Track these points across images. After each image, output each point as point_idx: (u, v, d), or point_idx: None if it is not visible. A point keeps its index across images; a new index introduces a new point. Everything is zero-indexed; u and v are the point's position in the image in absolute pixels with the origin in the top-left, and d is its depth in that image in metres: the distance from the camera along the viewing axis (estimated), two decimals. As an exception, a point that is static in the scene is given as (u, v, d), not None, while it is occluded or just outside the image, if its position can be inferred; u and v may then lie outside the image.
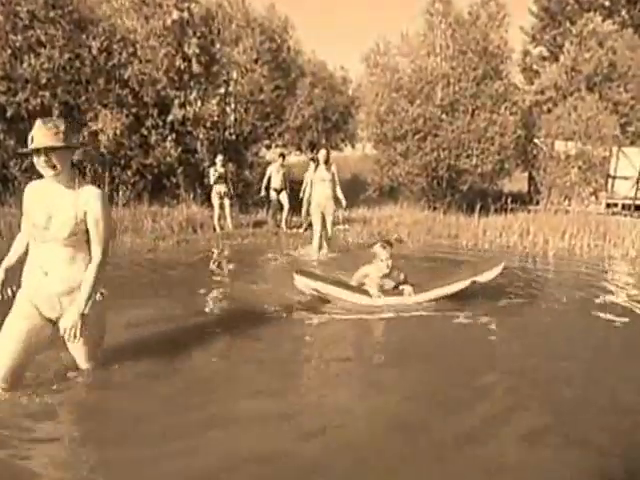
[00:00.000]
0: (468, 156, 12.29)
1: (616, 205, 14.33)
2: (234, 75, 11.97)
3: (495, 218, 11.18)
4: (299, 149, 17.76)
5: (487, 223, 10.59)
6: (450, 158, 12.29)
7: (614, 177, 15.00)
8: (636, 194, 14.99)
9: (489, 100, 12.60)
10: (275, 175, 10.53)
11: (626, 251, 8.96)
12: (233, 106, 12.15)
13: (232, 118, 12.08)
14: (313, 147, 17.61)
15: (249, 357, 3.61)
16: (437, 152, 12.20)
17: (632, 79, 16.16)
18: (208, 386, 3.11)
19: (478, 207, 11.16)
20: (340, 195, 7.77)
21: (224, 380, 3.21)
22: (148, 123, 10.98)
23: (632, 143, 15.56)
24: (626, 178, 15.04)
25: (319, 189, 7.43)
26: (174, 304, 4.80)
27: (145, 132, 10.95)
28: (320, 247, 7.58)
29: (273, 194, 10.61)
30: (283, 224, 10.40)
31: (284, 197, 10.54)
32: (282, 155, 10.99)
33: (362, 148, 15.44)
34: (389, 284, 4.90)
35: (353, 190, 15.38)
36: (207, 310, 4.82)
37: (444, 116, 12.43)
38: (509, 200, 11.87)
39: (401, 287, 4.88)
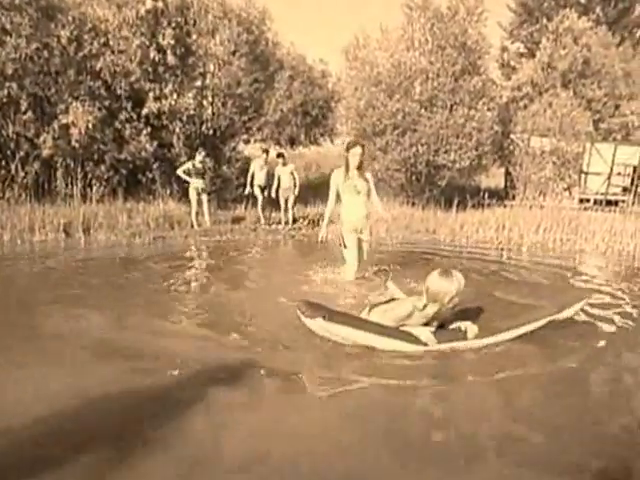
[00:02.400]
0: (446, 151, 12.25)
1: (588, 200, 14.53)
2: (211, 67, 11.67)
3: (472, 213, 11.26)
4: (278, 144, 17.52)
5: (464, 218, 10.69)
6: (429, 153, 12.23)
7: (587, 173, 15.19)
8: (607, 190, 15.24)
9: (467, 96, 12.55)
10: (259, 172, 10.31)
11: (596, 245, 9.14)
12: (210, 99, 11.84)
13: (209, 112, 11.78)
14: (293, 142, 17.41)
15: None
16: (416, 147, 12.11)
17: (605, 76, 16.38)
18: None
19: (456, 202, 11.22)
20: (381, 210, 5.45)
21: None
22: (122, 116, 10.64)
23: (604, 139, 15.78)
24: (598, 174, 15.26)
25: (352, 206, 5.15)
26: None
27: (119, 126, 10.61)
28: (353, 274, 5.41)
29: (258, 191, 10.39)
30: (262, 220, 10.38)
31: (266, 195, 10.43)
32: (265, 151, 10.70)
33: (342, 143, 15.28)
34: (435, 322, 3.59)
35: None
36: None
37: (423, 111, 12.33)
38: (486, 195, 11.92)
39: (459, 325, 3.59)
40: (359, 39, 13.33)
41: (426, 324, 3.56)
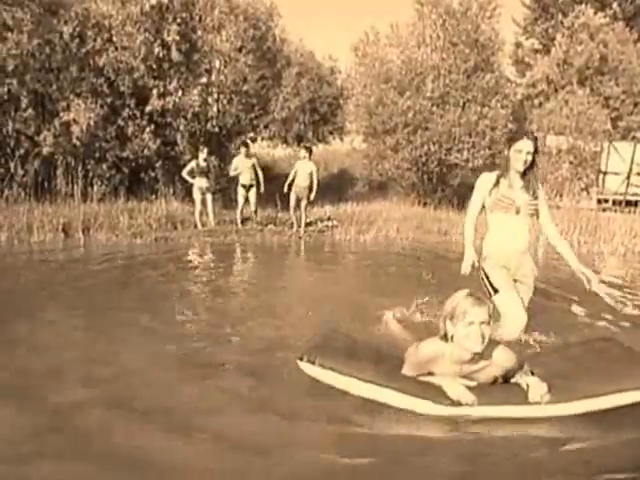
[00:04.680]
0: (459, 150, 11.99)
1: (607, 201, 14.14)
2: (216, 64, 11.45)
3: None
4: (285, 142, 17.27)
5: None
6: (440, 152, 11.97)
7: (605, 172, 14.79)
8: (626, 190, 14.82)
9: (480, 93, 12.29)
10: (242, 169, 9.38)
11: (615, 247, 8.81)
12: (216, 97, 11.62)
13: (214, 109, 11.56)
14: (300, 140, 17.15)
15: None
16: (427, 146, 11.86)
17: (623, 73, 15.99)
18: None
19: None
20: (559, 242, 3.50)
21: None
22: (124, 114, 10.42)
23: (623, 138, 15.38)
24: (617, 173, 14.85)
25: (506, 229, 3.48)
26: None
27: (121, 123, 10.38)
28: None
29: (241, 190, 9.48)
30: (239, 222, 9.50)
31: (252, 195, 9.48)
32: (245, 144, 9.68)
33: (351, 141, 15.02)
34: (477, 373, 2.53)
35: (341, 185, 15.10)
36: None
37: (434, 109, 12.07)
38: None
39: (518, 377, 2.53)
40: (369, 35, 13.12)
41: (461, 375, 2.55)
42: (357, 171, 14.59)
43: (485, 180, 3.53)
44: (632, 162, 14.85)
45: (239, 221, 9.49)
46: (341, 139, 16.84)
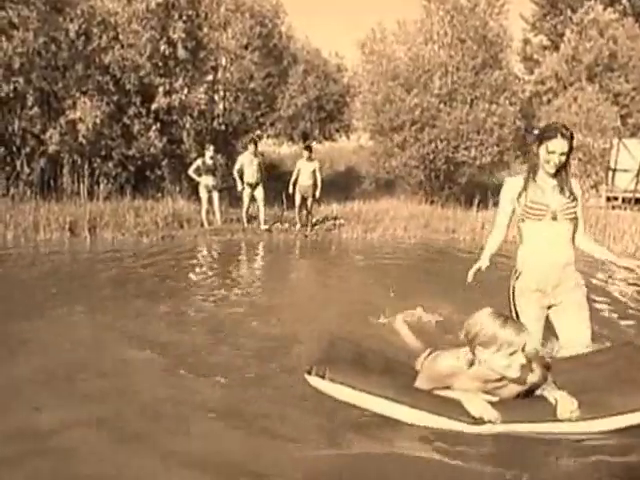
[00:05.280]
0: (466, 148, 11.92)
1: (616, 199, 13.98)
2: (223, 61, 11.46)
3: (494, 212, 10.83)
4: (291, 139, 17.23)
5: (486, 217, 10.29)
6: (448, 150, 11.91)
7: (614, 170, 14.64)
8: (636, 187, 14.66)
9: (488, 90, 12.21)
10: (248, 166, 9.14)
11: (626, 246, 8.66)
12: (222, 94, 11.64)
13: (221, 107, 11.57)
14: (306, 138, 17.12)
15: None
16: (435, 143, 11.79)
17: (633, 69, 15.82)
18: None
19: (477, 200, 10.85)
20: (607, 255, 3.08)
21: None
22: (130, 112, 10.43)
23: (632, 135, 15.21)
24: (626, 171, 14.69)
25: (540, 241, 2.92)
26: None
27: (127, 121, 10.41)
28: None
29: (247, 189, 9.26)
30: (262, 224, 9.28)
31: (259, 192, 9.25)
32: (253, 141, 9.53)
33: (357, 139, 14.97)
34: (500, 389, 2.34)
35: (348, 183, 15.05)
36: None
37: (442, 106, 12.00)
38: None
39: (546, 392, 2.31)
40: (376, 32, 13.02)
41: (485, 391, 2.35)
42: (364, 169, 14.54)
43: (511, 186, 3.00)
44: (640, 159, 14.71)
45: (245, 220, 9.38)
46: (347, 137, 16.81)
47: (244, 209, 9.39)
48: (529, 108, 14.34)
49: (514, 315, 2.92)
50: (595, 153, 14.07)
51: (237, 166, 9.27)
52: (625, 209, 12.45)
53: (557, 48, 16.66)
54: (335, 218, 10.18)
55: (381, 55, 12.67)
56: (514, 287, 3.02)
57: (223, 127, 11.61)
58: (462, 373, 2.29)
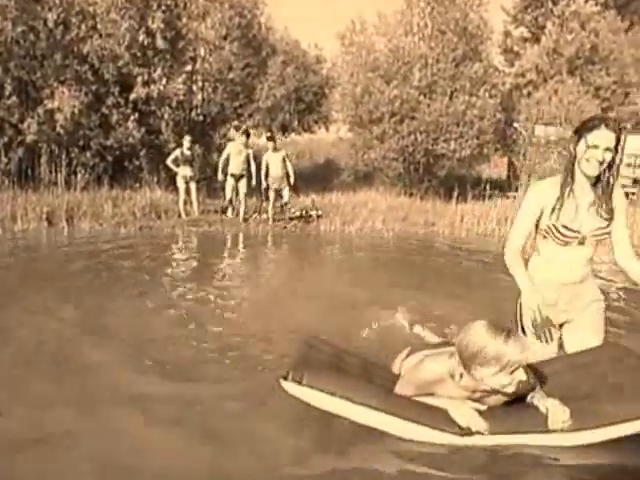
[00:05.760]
0: (446, 140, 12.49)
1: (596, 192, 14.72)
2: (201, 52, 11.90)
3: (473, 205, 11.39)
4: (270, 131, 17.73)
5: (465, 210, 10.77)
6: (428, 142, 12.47)
7: (594, 164, 15.39)
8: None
9: (468, 82, 12.78)
10: (235, 157, 9.33)
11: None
12: (200, 85, 12.09)
13: (199, 97, 12.03)
14: (285, 129, 17.61)
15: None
16: (414, 135, 12.35)
17: (614, 63, 16.61)
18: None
19: (456, 193, 11.39)
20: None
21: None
22: (109, 102, 10.88)
23: (613, 128, 15.99)
24: (606, 164, 15.47)
25: (560, 262, 2.57)
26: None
27: (105, 111, 10.85)
28: None
29: (230, 180, 9.46)
30: (242, 217, 9.60)
31: (243, 186, 9.49)
32: (246, 133, 9.76)
33: (336, 131, 15.52)
34: (488, 397, 2.26)
35: (327, 175, 15.56)
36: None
37: (421, 98, 12.57)
38: (487, 186, 12.11)
39: (536, 400, 2.25)
40: (356, 24, 13.58)
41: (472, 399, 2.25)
42: (343, 161, 15.06)
43: (541, 193, 2.51)
44: (622, 153, 15.51)
45: (230, 210, 9.76)
46: (327, 128, 17.34)
47: (227, 200, 9.69)
48: (509, 101, 15.00)
49: (520, 331, 2.68)
50: (575, 147, 14.83)
51: (224, 155, 9.48)
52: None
53: (538, 40, 17.39)
54: (314, 210, 10.68)
55: (361, 46, 13.23)
56: (523, 304, 2.65)
57: (201, 118, 12.09)
58: (448, 380, 2.21)
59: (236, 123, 12.57)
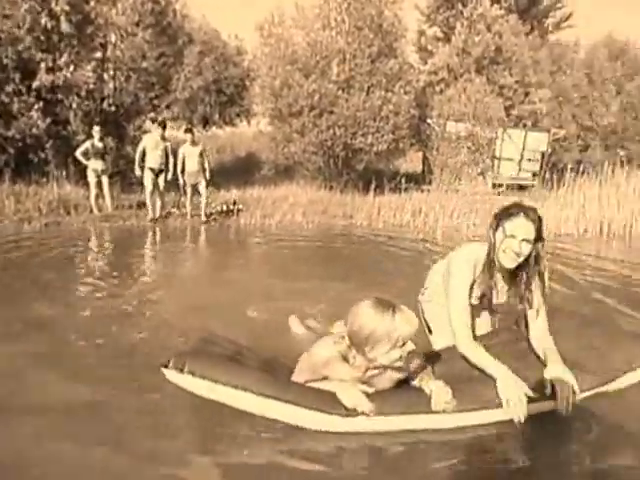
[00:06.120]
0: (363, 135, 12.52)
1: (501, 185, 15.44)
2: (112, 38, 11.10)
3: (390, 198, 11.67)
4: (190, 123, 17.04)
5: (382, 202, 11.04)
6: (346, 136, 12.44)
7: (499, 158, 16.16)
8: (518, 175, 16.33)
9: (384, 78, 12.87)
10: (152, 150, 8.68)
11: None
12: (112, 73, 11.29)
13: (111, 86, 11.23)
14: (206, 122, 17.00)
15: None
16: (333, 130, 12.28)
17: (515, 64, 17.43)
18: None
19: (373, 187, 11.55)
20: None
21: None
22: (9, 89, 9.89)
23: (515, 125, 16.84)
24: (510, 159, 16.30)
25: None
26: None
27: (5, 99, 9.86)
28: None
29: (149, 174, 8.75)
30: (157, 213, 9.03)
31: (162, 180, 8.90)
32: (163, 124, 9.11)
33: (257, 124, 15.18)
34: (378, 377, 2.25)
35: (248, 168, 15.25)
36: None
37: (340, 93, 12.51)
38: (403, 180, 12.36)
39: (423, 382, 2.24)
40: (274, 16, 13.25)
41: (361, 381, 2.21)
42: (264, 154, 14.81)
43: (472, 256, 2.40)
44: (523, 148, 16.38)
45: (150, 209, 8.89)
46: (248, 122, 16.91)
47: (147, 196, 8.91)
48: (423, 97, 15.32)
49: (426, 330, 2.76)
50: (482, 142, 15.44)
51: (140, 148, 8.78)
52: (507, 195, 13.85)
53: (449, 40, 17.88)
54: (234, 203, 10.39)
55: (279, 39, 12.92)
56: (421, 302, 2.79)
57: (113, 108, 11.29)
58: (337, 363, 2.16)
59: (152, 115, 11.85)
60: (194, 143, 8.95)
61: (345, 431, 2.13)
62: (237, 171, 13.60)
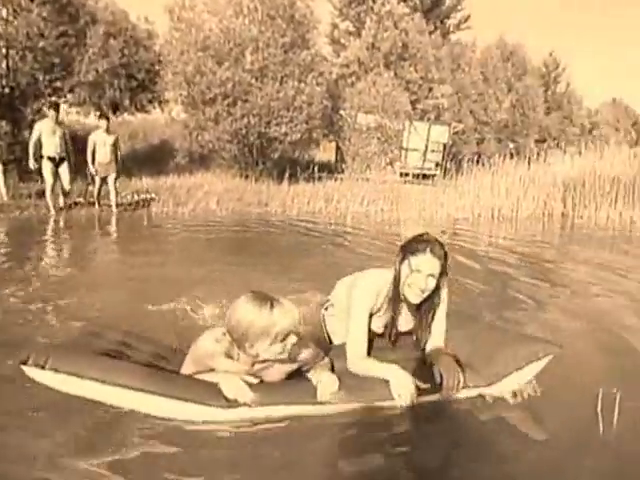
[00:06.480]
0: (278, 124, 12.29)
1: (408, 174, 15.92)
2: (3, 13, 9.94)
3: (304, 186, 11.69)
4: (99, 109, 15.83)
5: (296, 191, 11.03)
6: (260, 125, 12.15)
7: (406, 149, 16.65)
8: (423, 165, 16.92)
9: (297, 69, 12.69)
10: (49, 137, 7.76)
11: (412, 214, 10.25)
12: (4, 52, 10.11)
13: (4, 66, 10.06)
14: (116, 107, 15.89)
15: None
16: (247, 118, 11.93)
17: (420, 60, 17.97)
18: None
19: (287, 175, 11.48)
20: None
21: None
22: None
23: (421, 119, 17.40)
24: (416, 150, 16.85)
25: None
26: None
27: None
28: None
29: (48, 165, 7.85)
30: (61, 201, 8.25)
31: (64, 170, 8.02)
32: (54, 106, 8.06)
33: (170, 111, 14.42)
34: (267, 369, 2.11)
35: (162, 156, 14.50)
36: None
37: (254, 81, 12.17)
38: (316, 169, 12.39)
39: (312, 373, 2.17)
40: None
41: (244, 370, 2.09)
42: (178, 142, 14.15)
43: (374, 293, 2.28)
44: (428, 140, 16.98)
45: (51, 205, 7.93)
46: (162, 109, 15.99)
47: (48, 192, 7.92)
48: (335, 89, 15.35)
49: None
50: (391, 134, 15.80)
51: (33, 137, 7.80)
52: (412, 183, 14.28)
53: (360, 35, 18.04)
54: (146, 192, 9.82)
55: (190, 24, 12.31)
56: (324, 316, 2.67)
57: (8, 90, 10.14)
58: (222, 357, 2.03)
59: (54, 98, 10.80)
60: (108, 131, 8.26)
61: (226, 421, 1.99)
62: (150, 159, 12.86)
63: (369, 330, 2.27)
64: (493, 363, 2.23)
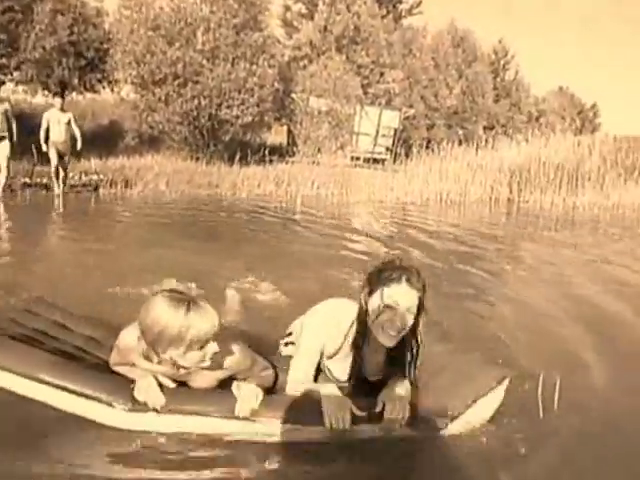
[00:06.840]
0: (229, 106, 12.11)
1: (359, 158, 16.01)
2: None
3: (255, 169, 11.63)
4: (47, 88, 15.08)
5: (247, 173, 10.98)
6: (211, 107, 11.94)
7: (357, 133, 16.70)
8: (374, 149, 17.06)
9: (249, 50, 12.48)
10: None
11: (363, 197, 10.42)
12: (-59, 26, 9.50)
13: (-60, 41, 9.46)
14: (64, 86, 15.17)
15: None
16: (198, 100, 11.70)
17: (372, 44, 17.91)
18: None
19: (238, 158, 11.39)
20: None
21: None
22: None
23: (372, 103, 17.44)
24: (367, 134, 16.94)
25: None
26: None
27: None
28: None
29: None
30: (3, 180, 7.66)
31: (5, 148, 7.50)
32: None
33: (119, 91, 13.93)
34: (194, 375, 1.83)
35: (112, 137, 14.06)
36: None
37: (205, 62, 11.91)
38: (267, 151, 12.32)
39: (234, 386, 1.82)
40: (134, -23, 12.09)
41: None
42: (127, 123, 13.76)
43: (331, 325, 1.82)
44: (379, 125, 17.09)
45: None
46: (111, 89, 15.40)
47: None
48: (287, 72, 15.17)
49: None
50: (342, 118, 15.80)
51: None
52: (362, 167, 14.42)
53: (313, 17, 17.81)
54: (95, 174, 9.56)
55: (140, 2, 11.90)
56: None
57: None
58: (140, 357, 1.77)
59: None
60: (63, 110, 8.02)
61: (125, 428, 1.73)
62: (99, 140, 12.37)
63: (331, 375, 1.86)
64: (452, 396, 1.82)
